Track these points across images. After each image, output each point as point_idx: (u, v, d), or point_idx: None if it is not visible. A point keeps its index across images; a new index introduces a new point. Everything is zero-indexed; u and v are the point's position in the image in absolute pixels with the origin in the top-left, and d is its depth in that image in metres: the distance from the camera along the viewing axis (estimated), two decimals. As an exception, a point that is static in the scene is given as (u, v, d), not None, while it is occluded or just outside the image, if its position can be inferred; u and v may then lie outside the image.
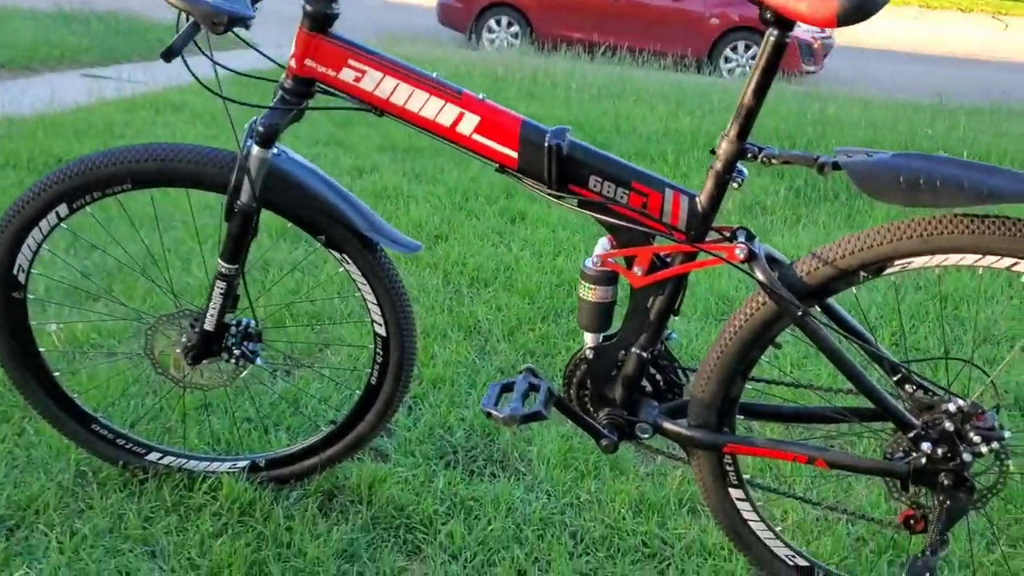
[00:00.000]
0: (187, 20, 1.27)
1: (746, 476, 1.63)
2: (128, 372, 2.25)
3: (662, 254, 1.49)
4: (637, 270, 1.48)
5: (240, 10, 1.17)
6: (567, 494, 1.96)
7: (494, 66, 7.86)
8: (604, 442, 1.58)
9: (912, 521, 1.52)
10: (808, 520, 1.89)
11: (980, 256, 1.36)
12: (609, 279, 1.51)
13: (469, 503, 1.89)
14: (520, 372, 1.56)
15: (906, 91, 8.38)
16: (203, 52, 1.37)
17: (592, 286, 1.51)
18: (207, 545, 1.72)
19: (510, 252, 3.31)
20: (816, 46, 10.09)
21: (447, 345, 2.58)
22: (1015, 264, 1.35)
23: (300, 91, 1.51)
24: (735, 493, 1.62)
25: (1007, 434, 1.42)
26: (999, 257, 1.35)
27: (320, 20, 1.46)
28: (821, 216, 4.10)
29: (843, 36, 11.21)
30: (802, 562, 1.65)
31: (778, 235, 3.78)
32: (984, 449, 1.42)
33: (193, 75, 1.37)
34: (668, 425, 1.57)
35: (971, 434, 1.42)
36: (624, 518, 1.88)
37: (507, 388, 1.55)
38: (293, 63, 1.49)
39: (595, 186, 1.45)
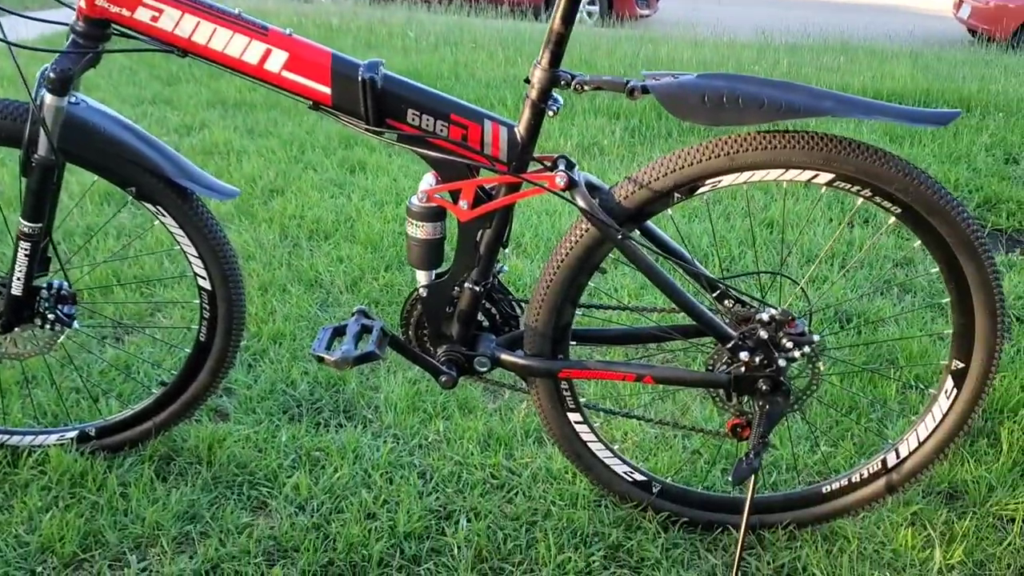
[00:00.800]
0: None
1: (584, 400, 1.67)
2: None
3: (487, 187, 1.49)
4: (463, 204, 1.48)
5: None
6: (415, 436, 1.96)
7: (328, 17, 7.66)
8: (443, 378, 1.58)
9: (739, 429, 1.60)
10: (647, 439, 1.97)
11: (783, 171, 1.43)
12: (436, 215, 1.50)
13: (315, 454, 1.87)
14: (352, 315, 1.54)
15: (734, 31, 8.67)
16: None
17: (420, 223, 1.50)
18: (36, 520, 1.63)
19: (350, 203, 3.25)
20: (650, -7, 10.30)
21: (287, 300, 2.52)
22: (814, 176, 1.43)
23: (93, 34, 1.41)
24: (573, 417, 1.66)
25: (816, 338, 1.51)
26: (800, 170, 1.42)
27: (108, -46, 1.37)
28: (656, 153, 4.22)
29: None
30: (640, 477, 1.71)
31: (615, 173, 3.86)
32: (796, 354, 1.51)
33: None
34: (505, 356, 1.59)
35: (784, 340, 1.50)
36: (472, 454, 1.90)
37: (339, 332, 1.53)
38: (83, 3, 1.39)
39: (413, 120, 1.43)
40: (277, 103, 4.59)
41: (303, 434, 1.93)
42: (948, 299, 1.52)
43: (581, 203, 1.44)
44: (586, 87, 1.41)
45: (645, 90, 1.39)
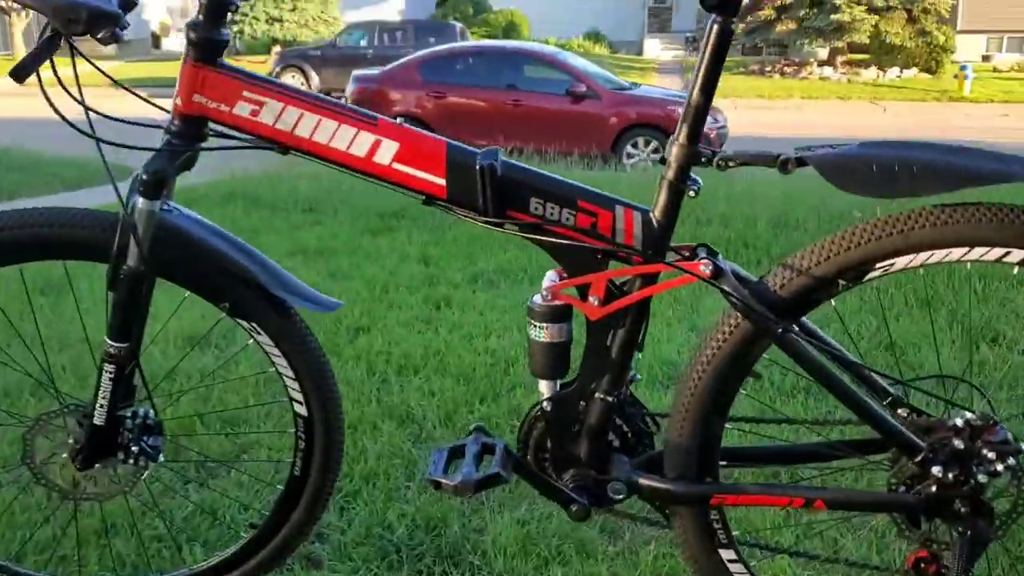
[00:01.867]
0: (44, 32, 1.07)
1: (736, 533, 1.43)
2: (13, 499, 1.94)
3: (618, 280, 1.32)
4: (593, 300, 1.30)
5: (103, 5, 0.96)
6: (532, 590, 1.72)
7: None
8: (574, 508, 1.36)
9: (923, 564, 1.34)
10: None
11: (967, 249, 1.22)
12: (562, 315, 1.33)
13: (420, 608, 1.64)
14: (470, 433, 1.35)
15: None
16: (65, 89, 1.16)
17: (543, 324, 1.33)
18: None
19: (438, 336, 3.10)
20: (712, 136, 10.36)
21: (378, 437, 2.34)
22: (1006, 254, 1.22)
23: (189, 132, 1.31)
24: (726, 555, 1.41)
25: (1024, 446, 1.26)
26: (988, 248, 1.22)
27: (207, 48, 1.27)
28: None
29: (736, 125, 11.56)
30: (808, 626, 1.44)
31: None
32: (1000, 467, 1.26)
33: (52, 106, 1.15)
34: (645, 481, 1.37)
35: (984, 451, 1.25)
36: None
37: (456, 453, 1.33)
38: (179, 101, 1.30)
39: (536, 209, 1.28)
40: (357, 249, 4.57)
41: (405, 584, 1.71)
42: None
43: (732, 293, 1.25)
44: (731, 163, 1.25)
45: (800, 162, 1.23)
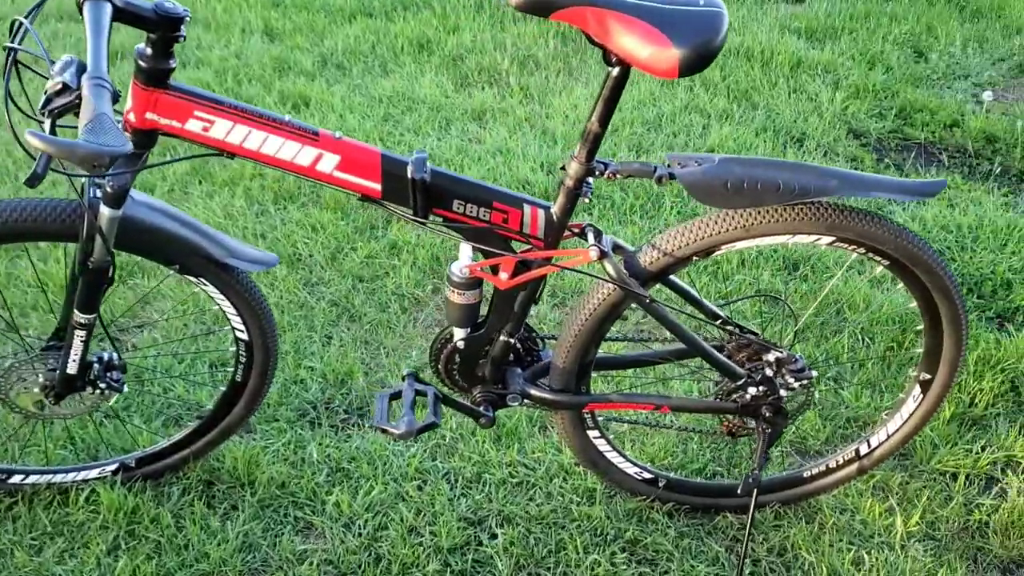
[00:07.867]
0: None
1: (600, 418, 1.87)
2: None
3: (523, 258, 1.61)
4: (503, 275, 1.60)
5: (118, 146, 1.06)
6: (433, 436, 2.12)
7: None
8: (483, 421, 1.74)
9: (734, 431, 1.84)
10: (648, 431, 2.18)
11: (791, 236, 1.60)
12: (476, 284, 1.62)
13: (346, 467, 2.02)
14: (403, 379, 1.67)
15: None
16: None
17: (461, 291, 1.62)
18: (105, 566, 1.76)
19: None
20: None
21: (274, 284, 2.59)
22: (817, 239, 1.60)
23: (142, 143, 1.43)
24: (592, 434, 1.86)
25: (814, 373, 1.73)
26: (806, 235, 1.59)
27: (157, 75, 1.37)
28: (589, 64, 4.26)
29: None
30: (648, 475, 1.94)
31: (553, 94, 3.91)
32: (796, 385, 1.72)
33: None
34: (534, 392, 1.75)
35: (786, 376, 1.71)
36: (488, 451, 2.08)
37: (395, 396, 1.66)
38: (132, 117, 1.40)
39: (458, 208, 1.53)
40: (198, 20, 4.42)
41: (328, 443, 2.07)
42: (922, 326, 1.75)
43: (612, 274, 1.57)
44: (618, 175, 1.53)
45: (672, 177, 1.52)
